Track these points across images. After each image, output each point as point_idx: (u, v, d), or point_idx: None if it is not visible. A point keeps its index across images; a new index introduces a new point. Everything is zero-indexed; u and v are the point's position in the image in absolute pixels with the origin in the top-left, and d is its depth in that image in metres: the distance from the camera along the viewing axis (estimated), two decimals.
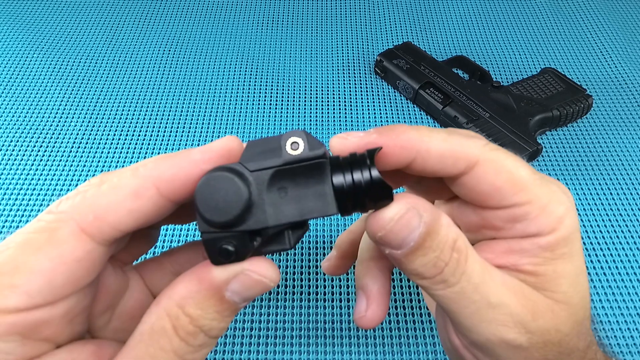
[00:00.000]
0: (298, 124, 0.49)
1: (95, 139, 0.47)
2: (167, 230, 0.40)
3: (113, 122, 0.49)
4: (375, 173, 0.16)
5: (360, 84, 0.54)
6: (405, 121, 0.50)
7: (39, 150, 0.46)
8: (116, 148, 0.47)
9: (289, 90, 0.53)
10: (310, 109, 0.51)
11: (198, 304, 0.16)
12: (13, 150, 0.46)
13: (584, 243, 0.41)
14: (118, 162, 0.45)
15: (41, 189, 0.43)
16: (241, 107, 0.51)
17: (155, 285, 0.21)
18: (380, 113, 0.51)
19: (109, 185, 0.16)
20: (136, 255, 0.21)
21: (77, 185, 0.43)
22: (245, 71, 0.55)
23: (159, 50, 0.57)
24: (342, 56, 0.57)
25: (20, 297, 0.15)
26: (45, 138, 0.47)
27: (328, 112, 0.51)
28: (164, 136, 0.48)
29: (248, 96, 0.52)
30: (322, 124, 0.50)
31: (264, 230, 0.16)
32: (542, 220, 0.18)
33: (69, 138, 0.47)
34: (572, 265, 0.19)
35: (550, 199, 0.18)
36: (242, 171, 0.16)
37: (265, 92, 0.52)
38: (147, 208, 0.16)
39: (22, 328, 0.15)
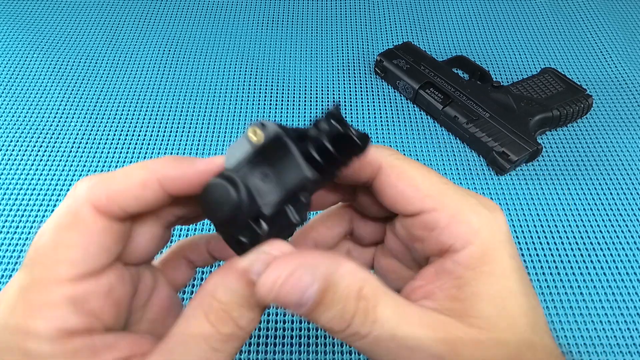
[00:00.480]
0: (298, 124, 0.49)
1: (95, 139, 0.47)
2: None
3: (113, 122, 0.49)
4: (330, 125, 0.17)
5: (360, 84, 0.54)
6: (405, 121, 0.50)
7: (39, 150, 0.46)
8: (116, 148, 0.47)
9: (289, 90, 0.53)
10: (310, 109, 0.51)
11: (227, 288, 0.17)
12: (13, 150, 0.46)
13: (584, 243, 0.41)
14: (118, 162, 0.45)
15: (41, 189, 0.43)
16: (241, 107, 0.51)
17: (174, 279, 0.24)
18: (380, 113, 0.51)
19: (122, 173, 0.18)
20: (154, 252, 0.22)
21: None
22: (245, 71, 0.55)
23: (159, 50, 0.57)
24: (342, 56, 0.57)
25: (67, 267, 0.17)
26: (45, 138, 0.47)
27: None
28: (164, 136, 0.48)
29: (248, 96, 0.52)
30: None
31: (262, 215, 0.17)
32: (453, 229, 0.18)
33: (69, 138, 0.47)
34: (494, 285, 0.18)
35: (460, 209, 0.19)
36: (229, 175, 0.18)
37: (265, 92, 0.53)
38: (150, 197, 0.18)
39: (73, 297, 0.17)
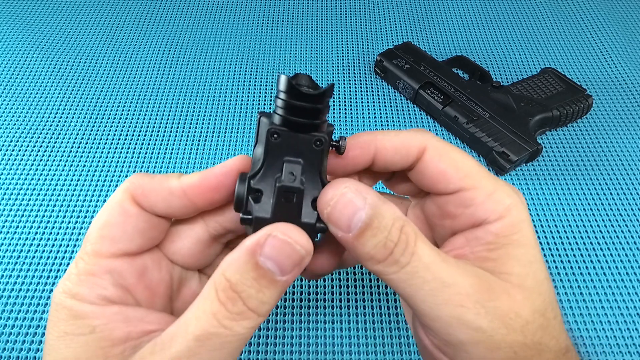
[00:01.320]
0: None
1: (95, 139, 0.47)
2: None
3: (113, 122, 0.49)
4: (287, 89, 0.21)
5: (360, 84, 0.54)
6: (405, 121, 0.50)
7: (39, 150, 0.46)
8: (116, 148, 0.47)
9: None
10: None
11: (236, 269, 0.18)
12: (13, 150, 0.46)
13: (584, 243, 0.41)
14: (118, 162, 0.45)
15: (41, 189, 0.43)
16: (241, 107, 0.51)
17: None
18: (380, 113, 0.51)
19: (160, 176, 0.21)
20: (198, 257, 0.24)
21: (77, 185, 0.43)
22: (245, 71, 0.55)
23: (159, 50, 0.57)
24: (342, 56, 0.57)
25: (109, 244, 0.20)
26: (45, 138, 0.47)
27: (328, 112, 0.51)
28: (164, 136, 0.48)
29: (248, 96, 0.52)
30: None
31: (251, 190, 0.20)
32: (488, 205, 0.21)
33: (69, 138, 0.47)
34: (523, 250, 0.20)
35: (496, 189, 0.21)
36: (244, 177, 0.21)
37: (265, 92, 0.52)
38: (176, 204, 0.21)
39: (112, 269, 0.20)
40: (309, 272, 0.25)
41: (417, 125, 0.50)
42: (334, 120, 0.50)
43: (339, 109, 0.51)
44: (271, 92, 0.53)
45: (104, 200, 0.42)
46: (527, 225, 0.21)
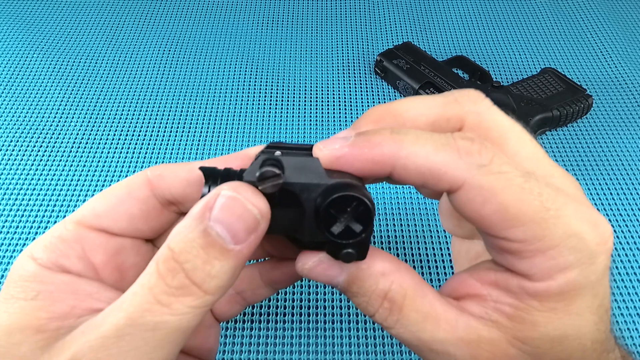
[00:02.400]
0: (298, 124, 0.49)
1: (95, 139, 0.47)
2: None
3: (113, 122, 0.49)
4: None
5: (360, 84, 0.54)
6: None
7: (39, 150, 0.46)
8: (116, 148, 0.47)
9: (289, 90, 0.53)
10: (310, 109, 0.51)
11: (182, 236, 0.16)
12: (13, 150, 0.46)
13: None
14: (118, 162, 0.45)
15: (41, 189, 0.43)
16: (241, 107, 0.51)
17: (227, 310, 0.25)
18: None
19: (181, 164, 0.21)
20: None
21: (77, 185, 0.43)
22: (245, 71, 0.55)
23: (159, 50, 0.57)
24: (342, 56, 0.57)
25: (93, 215, 0.20)
26: (45, 138, 0.47)
27: (328, 112, 0.51)
28: (164, 136, 0.48)
29: (248, 96, 0.52)
30: (322, 124, 0.50)
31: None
32: (536, 261, 0.16)
33: (69, 138, 0.47)
34: (560, 323, 0.16)
35: (559, 242, 0.15)
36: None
37: (265, 92, 0.53)
38: (189, 192, 0.20)
39: (84, 241, 0.20)
40: (269, 282, 0.24)
41: None
42: (333, 121, 0.50)
43: (339, 109, 0.51)
44: (271, 92, 0.53)
45: None
46: (584, 293, 0.16)
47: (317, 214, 0.17)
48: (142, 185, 0.20)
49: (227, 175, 0.18)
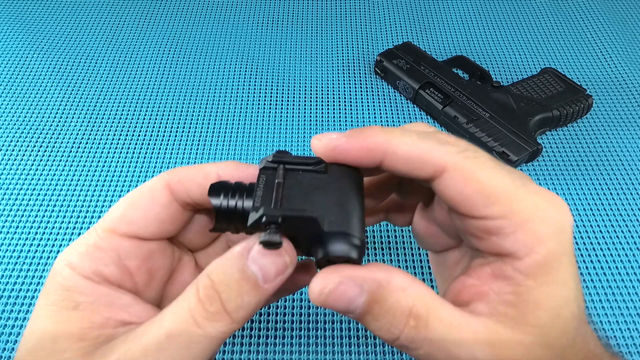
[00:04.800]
0: (298, 124, 0.49)
1: (95, 139, 0.47)
2: None
3: (113, 122, 0.49)
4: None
5: (360, 84, 0.54)
6: (405, 121, 0.50)
7: (39, 150, 0.46)
8: (116, 148, 0.47)
9: (289, 90, 0.53)
10: (310, 109, 0.51)
11: (222, 269, 0.18)
12: (13, 150, 0.46)
13: (584, 243, 0.41)
14: (118, 162, 0.45)
15: (41, 189, 0.43)
16: (241, 107, 0.51)
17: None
18: (380, 113, 0.51)
19: (197, 165, 0.22)
20: (204, 242, 0.25)
21: (77, 185, 0.43)
22: (245, 71, 0.55)
23: (159, 50, 0.57)
24: (342, 56, 0.57)
25: (126, 224, 0.21)
26: (45, 138, 0.47)
27: (328, 112, 0.51)
28: (164, 136, 0.48)
29: (248, 96, 0.52)
30: (322, 124, 0.50)
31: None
32: (518, 237, 0.17)
33: (69, 138, 0.47)
34: (554, 295, 0.18)
35: (532, 216, 0.18)
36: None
37: (265, 92, 0.52)
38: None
39: (120, 249, 0.21)
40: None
41: None
42: (333, 121, 0.50)
43: (339, 109, 0.51)
44: (271, 92, 0.53)
45: (104, 200, 0.42)
46: (563, 260, 0.18)
47: (317, 263, 0.19)
48: (164, 190, 0.21)
49: (239, 189, 0.20)
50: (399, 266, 0.39)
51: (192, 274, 0.24)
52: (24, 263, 0.38)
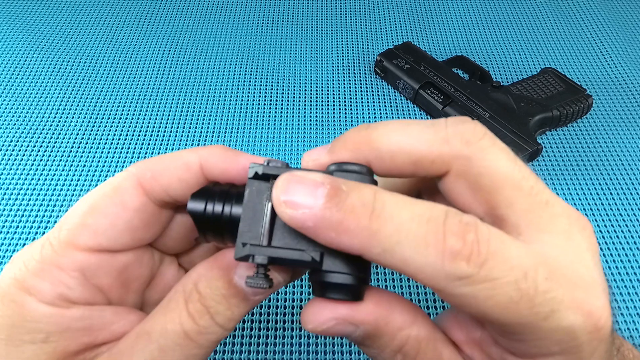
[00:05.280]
0: (298, 124, 0.49)
1: (95, 139, 0.47)
2: None
3: (113, 122, 0.49)
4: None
5: (360, 84, 0.54)
6: None
7: (39, 150, 0.46)
8: (116, 148, 0.47)
9: (289, 90, 0.53)
10: (310, 109, 0.51)
11: (208, 282, 0.17)
12: (13, 150, 0.46)
13: None
14: (118, 162, 0.45)
15: (41, 189, 0.43)
16: (241, 107, 0.51)
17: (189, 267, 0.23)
18: (380, 113, 0.51)
19: (170, 154, 0.19)
20: (187, 245, 0.22)
21: (77, 185, 0.43)
22: (245, 71, 0.55)
23: (159, 50, 0.57)
24: (342, 56, 0.57)
25: (89, 235, 0.17)
26: (45, 138, 0.47)
27: (328, 112, 0.51)
28: (164, 136, 0.48)
29: (248, 96, 0.52)
30: (322, 124, 0.50)
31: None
32: (520, 347, 0.16)
33: (69, 138, 0.47)
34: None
35: (548, 337, 0.15)
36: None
37: (265, 92, 0.52)
38: (192, 180, 0.18)
39: (85, 266, 0.17)
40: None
41: None
42: (333, 121, 0.50)
43: (339, 109, 0.51)
44: (271, 92, 0.53)
45: None
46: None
47: (310, 279, 0.18)
48: (135, 191, 0.18)
49: (226, 195, 0.18)
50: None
51: (175, 276, 0.22)
52: None
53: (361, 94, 0.53)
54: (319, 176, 0.15)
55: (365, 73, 0.55)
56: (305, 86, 0.53)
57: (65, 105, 0.50)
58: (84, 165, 0.45)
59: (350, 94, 0.53)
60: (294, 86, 0.53)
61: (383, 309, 0.17)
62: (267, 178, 0.17)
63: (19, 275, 0.16)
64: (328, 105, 0.52)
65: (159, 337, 0.17)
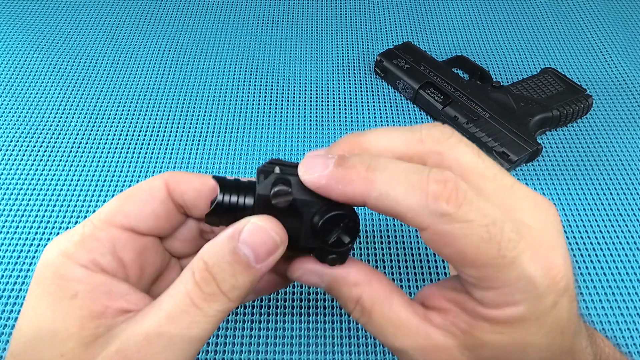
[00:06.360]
0: (298, 124, 0.49)
1: (95, 139, 0.47)
2: None
3: (113, 122, 0.49)
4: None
5: (360, 84, 0.54)
6: (405, 122, 0.50)
7: (39, 150, 0.46)
8: (116, 148, 0.47)
9: (289, 90, 0.53)
10: (310, 109, 0.51)
11: (214, 252, 0.19)
12: (13, 150, 0.46)
13: (584, 243, 0.41)
14: (118, 162, 0.45)
15: (41, 189, 0.43)
16: (241, 107, 0.51)
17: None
18: (380, 113, 0.51)
19: (195, 174, 0.23)
20: (193, 250, 0.25)
21: (77, 185, 0.43)
22: (245, 71, 0.55)
23: (159, 50, 0.57)
24: (342, 56, 0.57)
25: (123, 216, 0.21)
26: (45, 138, 0.47)
27: (328, 112, 0.51)
28: (164, 136, 0.48)
29: (248, 96, 0.52)
30: (322, 124, 0.50)
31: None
32: (489, 295, 0.18)
33: (69, 138, 0.47)
34: (505, 346, 0.18)
35: (512, 285, 0.17)
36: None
37: (265, 92, 0.52)
38: (204, 194, 0.22)
39: (117, 240, 0.21)
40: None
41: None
42: (333, 121, 0.50)
43: (339, 109, 0.51)
44: (271, 92, 0.53)
45: (104, 201, 0.42)
46: (533, 325, 0.18)
47: (315, 226, 0.20)
48: (162, 188, 0.22)
49: (237, 186, 0.21)
50: (394, 260, 0.39)
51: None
52: (24, 263, 0.38)
53: (361, 94, 0.53)
54: (329, 154, 0.20)
55: (365, 73, 0.55)
56: (305, 86, 0.53)
57: (65, 105, 0.50)
58: (84, 165, 0.45)
59: (350, 94, 0.53)
60: (294, 86, 0.53)
61: (342, 267, 0.21)
62: (272, 170, 0.20)
63: (62, 246, 0.20)
64: (328, 105, 0.52)
65: (167, 306, 0.19)
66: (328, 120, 0.50)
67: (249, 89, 0.53)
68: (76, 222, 0.41)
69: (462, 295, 0.19)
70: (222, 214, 0.21)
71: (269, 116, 0.50)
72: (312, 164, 0.19)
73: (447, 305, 0.20)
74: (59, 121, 0.49)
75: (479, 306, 0.19)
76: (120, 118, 0.49)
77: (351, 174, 0.18)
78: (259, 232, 0.19)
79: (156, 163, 0.46)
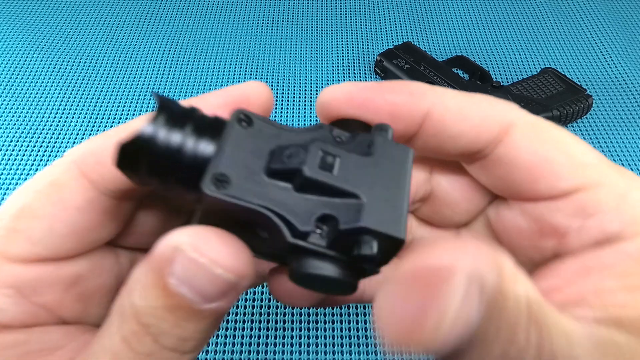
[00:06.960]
0: (298, 124, 0.49)
1: None
2: None
3: (113, 122, 0.49)
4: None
5: None
6: None
7: (39, 150, 0.46)
8: None
9: (289, 90, 0.53)
10: (311, 109, 0.51)
11: (142, 291, 0.12)
12: (13, 150, 0.46)
13: None
14: None
15: None
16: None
17: None
18: None
19: (114, 129, 0.14)
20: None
21: None
22: (245, 71, 0.55)
23: (159, 50, 0.57)
24: (342, 56, 0.57)
25: (23, 243, 0.13)
26: (45, 138, 0.47)
27: None
28: None
29: None
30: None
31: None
32: (624, 211, 0.13)
33: (69, 138, 0.47)
34: None
35: (628, 184, 0.13)
36: None
37: None
38: None
39: (21, 282, 0.13)
40: (286, 300, 0.17)
41: None
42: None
43: None
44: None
45: None
46: None
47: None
48: (76, 184, 0.14)
49: (189, 115, 0.13)
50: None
51: None
52: None
53: None
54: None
55: (365, 73, 0.55)
56: (305, 86, 0.53)
57: (65, 105, 0.50)
58: None
59: None
60: (294, 86, 0.53)
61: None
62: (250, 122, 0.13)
63: None
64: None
65: None
66: None
67: None
68: None
69: (584, 256, 0.13)
70: (147, 165, 0.12)
71: (269, 116, 0.50)
72: (339, 86, 0.14)
73: (576, 291, 0.13)
74: (59, 121, 0.49)
75: (621, 243, 0.13)
76: (121, 118, 0.49)
77: (399, 83, 0.14)
78: (197, 271, 0.12)
79: None
